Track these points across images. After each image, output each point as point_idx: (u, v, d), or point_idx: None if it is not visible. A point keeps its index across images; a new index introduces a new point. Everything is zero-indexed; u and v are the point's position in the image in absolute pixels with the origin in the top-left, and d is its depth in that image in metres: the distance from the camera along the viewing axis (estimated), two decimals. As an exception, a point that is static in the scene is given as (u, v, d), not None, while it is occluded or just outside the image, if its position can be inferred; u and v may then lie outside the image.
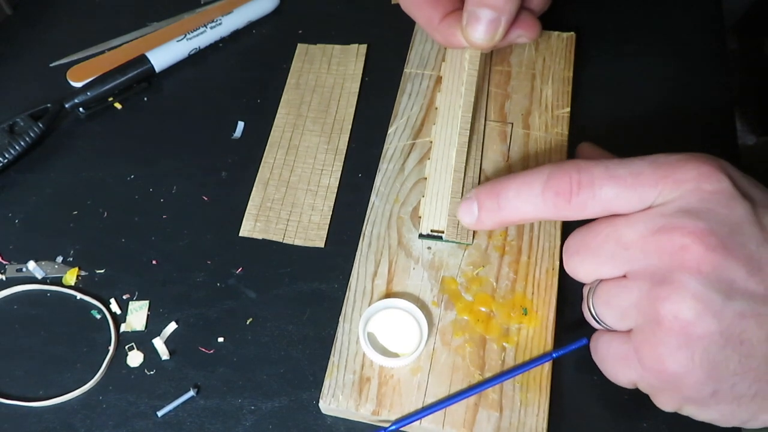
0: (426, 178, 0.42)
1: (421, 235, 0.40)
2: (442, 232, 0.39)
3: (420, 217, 0.40)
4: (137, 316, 0.41)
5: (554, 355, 0.36)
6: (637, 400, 0.33)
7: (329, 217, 0.44)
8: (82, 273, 0.43)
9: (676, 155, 0.31)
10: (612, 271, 0.32)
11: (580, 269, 0.34)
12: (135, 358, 0.39)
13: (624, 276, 0.32)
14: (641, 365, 0.31)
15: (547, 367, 0.36)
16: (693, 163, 0.31)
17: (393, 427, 0.35)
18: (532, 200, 0.33)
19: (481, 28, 0.39)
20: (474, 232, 0.40)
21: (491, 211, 0.35)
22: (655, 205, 0.31)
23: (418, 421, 0.35)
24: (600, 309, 0.33)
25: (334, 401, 0.36)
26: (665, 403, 0.32)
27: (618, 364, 0.33)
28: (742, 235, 0.29)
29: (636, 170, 0.31)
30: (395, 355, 0.36)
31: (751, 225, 0.30)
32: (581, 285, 0.35)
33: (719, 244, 0.29)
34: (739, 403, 0.30)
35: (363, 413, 0.36)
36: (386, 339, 0.37)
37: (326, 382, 0.36)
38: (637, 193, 0.31)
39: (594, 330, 0.35)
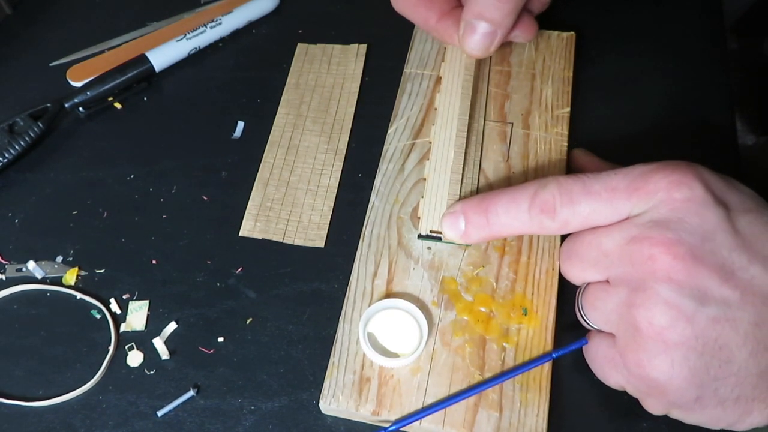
0: (425, 179, 0.42)
1: (420, 236, 0.40)
2: (441, 233, 0.39)
3: (419, 218, 0.40)
4: (137, 315, 0.41)
5: (554, 355, 0.36)
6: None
7: (329, 217, 0.44)
8: (82, 273, 0.43)
9: (651, 165, 0.32)
10: (596, 275, 0.34)
11: (570, 272, 0.35)
12: (135, 358, 0.39)
13: (607, 281, 0.33)
14: (626, 369, 0.32)
15: (546, 367, 0.36)
16: (663, 173, 0.31)
17: (393, 428, 0.35)
18: (520, 217, 0.34)
19: (476, 39, 0.39)
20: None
21: (479, 227, 0.36)
22: (631, 215, 0.32)
23: (418, 422, 0.35)
24: (587, 310, 0.34)
25: (334, 401, 0.36)
26: (653, 407, 0.32)
27: (607, 366, 0.34)
28: (713, 243, 0.30)
29: (611, 185, 0.32)
30: (395, 356, 0.36)
31: (723, 232, 0.30)
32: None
33: (687, 253, 0.29)
34: (724, 407, 0.30)
35: (363, 413, 0.36)
36: (386, 339, 0.37)
37: (326, 382, 0.36)
38: (612, 207, 0.32)
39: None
